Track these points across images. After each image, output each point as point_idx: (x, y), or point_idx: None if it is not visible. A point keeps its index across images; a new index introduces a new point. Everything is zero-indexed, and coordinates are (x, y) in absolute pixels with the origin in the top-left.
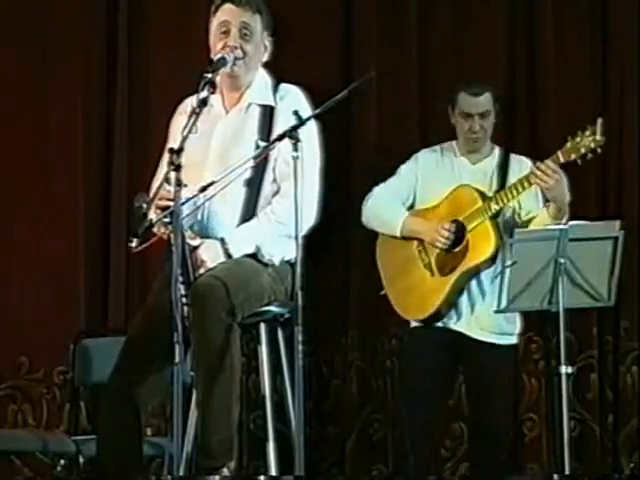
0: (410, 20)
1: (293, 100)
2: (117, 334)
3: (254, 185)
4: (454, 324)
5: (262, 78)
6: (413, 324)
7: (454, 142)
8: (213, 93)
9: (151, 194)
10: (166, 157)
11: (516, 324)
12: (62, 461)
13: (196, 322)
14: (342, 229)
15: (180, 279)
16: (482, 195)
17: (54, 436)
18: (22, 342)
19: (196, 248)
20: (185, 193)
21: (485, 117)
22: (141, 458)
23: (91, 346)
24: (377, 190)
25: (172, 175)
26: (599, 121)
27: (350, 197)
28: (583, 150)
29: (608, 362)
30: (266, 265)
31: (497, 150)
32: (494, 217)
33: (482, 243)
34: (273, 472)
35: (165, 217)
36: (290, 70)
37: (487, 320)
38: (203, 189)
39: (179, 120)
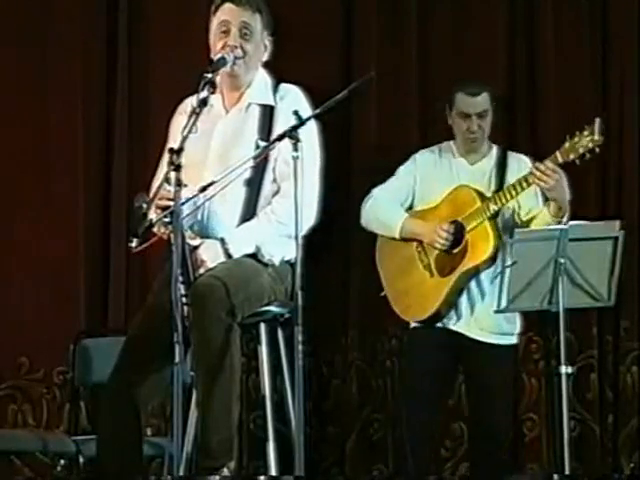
0: (410, 20)
1: (293, 100)
2: (117, 334)
3: (254, 185)
4: (454, 325)
5: (262, 78)
6: (413, 324)
7: (452, 142)
8: (213, 93)
9: (151, 194)
10: (166, 157)
11: (516, 324)
12: (62, 461)
13: (196, 322)
14: (342, 229)
15: (180, 279)
16: (481, 195)
17: (54, 436)
18: (22, 342)
19: (196, 248)
20: (185, 193)
21: (483, 117)
22: (141, 458)
23: (91, 346)
24: (376, 192)
25: (172, 175)
26: (597, 121)
27: (350, 197)
28: (581, 150)
29: (608, 362)
30: (266, 265)
31: (495, 149)
32: (493, 217)
33: (481, 243)
34: (273, 472)
35: (165, 217)
36: (290, 70)
37: (487, 320)
38: (203, 189)
39: (179, 120)
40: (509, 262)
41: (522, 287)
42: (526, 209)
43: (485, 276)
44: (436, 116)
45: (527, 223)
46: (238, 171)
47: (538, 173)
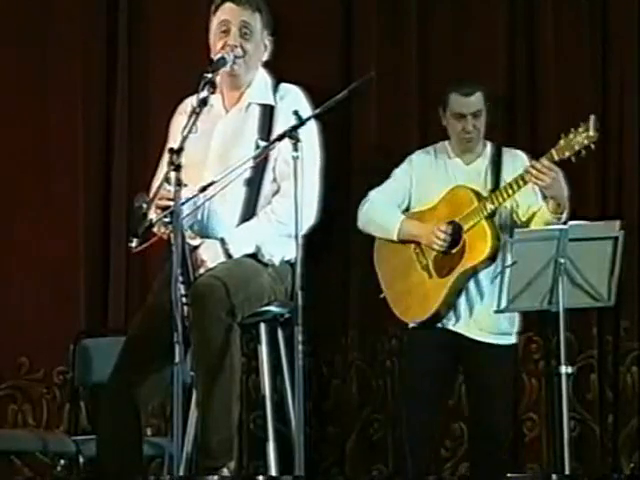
0: (410, 20)
1: (293, 100)
2: (117, 334)
3: (254, 185)
4: (453, 325)
5: (262, 78)
6: (412, 325)
7: (446, 143)
8: (213, 93)
9: (151, 194)
10: (166, 157)
11: (515, 323)
12: (62, 461)
13: (196, 322)
14: (342, 229)
15: (180, 279)
16: (477, 195)
17: (54, 436)
18: (22, 342)
19: (196, 248)
20: (185, 193)
21: (477, 117)
22: (141, 458)
23: (91, 346)
24: (372, 194)
25: (172, 175)
26: (592, 117)
27: (350, 197)
28: (577, 147)
29: (608, 362)
30: (266, 265)
31: (489, 147)
32: (490, 217)
33: (479, 243)
34: (273, 472)
35: (165, 217)
36: (290, 70)
37: (486, 320)
38: (203, 189)
39: (179, 120)
40: (509, 262)
41: (522, 287)
42: (525, 207)
43: (484, 276)
44: (436, 116)
45: (526, 221)
46: (238, 171)
47: (534, 172)
